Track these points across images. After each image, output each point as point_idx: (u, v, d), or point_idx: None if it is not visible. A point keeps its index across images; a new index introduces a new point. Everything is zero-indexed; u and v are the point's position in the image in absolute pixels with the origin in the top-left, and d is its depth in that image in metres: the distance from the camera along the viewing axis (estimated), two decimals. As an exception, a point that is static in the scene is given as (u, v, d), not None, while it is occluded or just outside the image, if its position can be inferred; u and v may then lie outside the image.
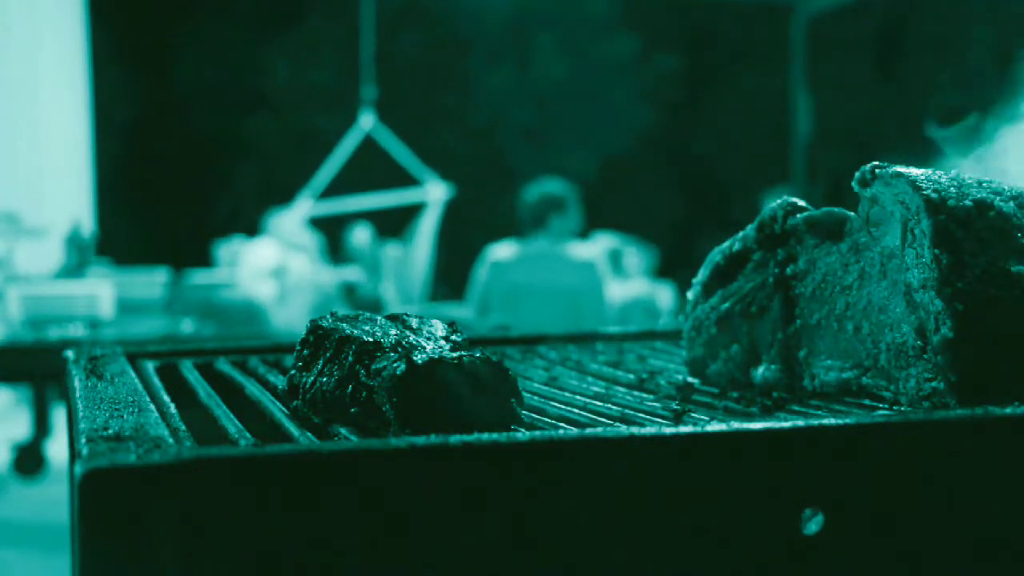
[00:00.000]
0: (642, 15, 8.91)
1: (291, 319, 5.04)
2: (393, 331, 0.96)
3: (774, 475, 0.79)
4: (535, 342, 1.54)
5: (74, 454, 0.86)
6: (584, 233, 5.37)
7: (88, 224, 7.37)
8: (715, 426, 0.79)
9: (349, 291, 6.57)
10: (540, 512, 0.74)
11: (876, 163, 1.05)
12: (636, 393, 1.13)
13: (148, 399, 0.96)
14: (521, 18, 9.17)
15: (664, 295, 7.06)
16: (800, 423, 0.81)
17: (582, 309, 4.65)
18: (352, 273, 7.20)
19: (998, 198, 0.99)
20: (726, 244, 1.21)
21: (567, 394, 1.11)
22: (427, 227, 7.65)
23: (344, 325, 0.98)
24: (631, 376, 1.23)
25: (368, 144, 7.49)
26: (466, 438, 0.73)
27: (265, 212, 6.74)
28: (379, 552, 0.71)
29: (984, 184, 1.01)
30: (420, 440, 0.72)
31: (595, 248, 5.28)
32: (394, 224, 8.08)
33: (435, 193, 7.64)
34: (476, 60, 9.32)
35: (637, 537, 0.76)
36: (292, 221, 6.43)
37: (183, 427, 0.87)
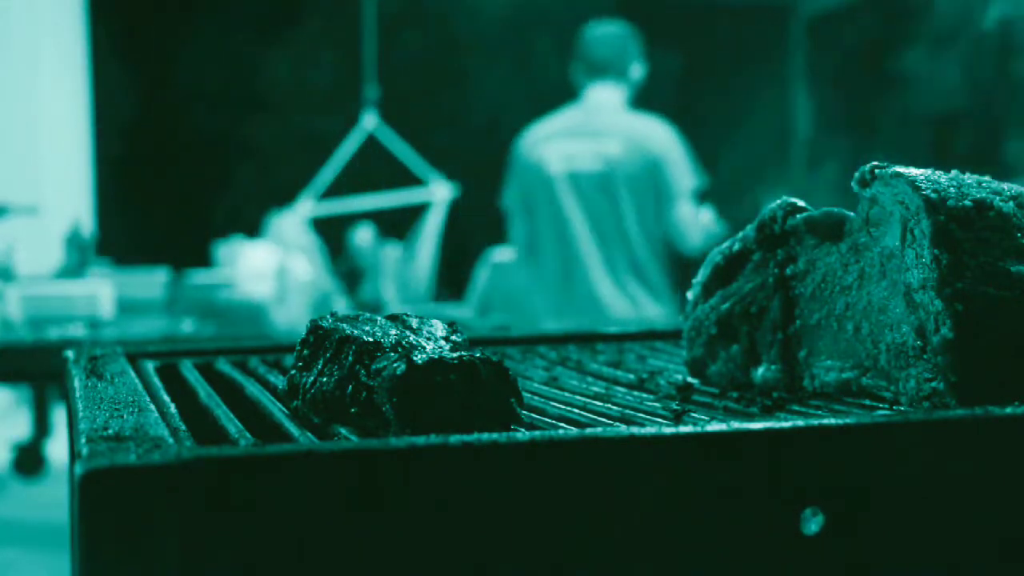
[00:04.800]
0: (641, 15, 8.91)
1: (291, 319, 5.04)
2: (393, 331, 0.96)
3: (774, 475, 0.79)
4: (535, 342, 1.54)
5: (74, 454, 0.86)
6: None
7: (88, 224, 7.37)
8: (715, 426, 0.79)
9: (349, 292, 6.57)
10: (540, 512, 0.74)
11: (876, 163, 1.05)
12: (636, 393, 1.13)
13: (148, 399, 0.96)
14: (521, 18, 9.16)
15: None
16: (800, 423, 0.81)
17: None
18: (327, 284, 7.17)
19: (998, 198, 0.99)
20: (726, 244, 1.21)
21: (567, 394, 1.11)
22: (431, 227, 7.64)
23: (344, 325, 0.98)
24: (631, 376, 1.23)
25: (371, 144, 7.48)
26: (466, 438, 0.73)
27: (266, 213, 6.74)
28: (378, 552, 0.71)
29: (984, 184, 1.01)
30: (420, 440, 0.72)
31: None
32: (394, 225, 8.08)
33: (440, 193, 7.62)
34: (476, 60, 9.31)
35: (637, 537, 0.76)
36: (293, 223, 6.43)
37: (183, 427, 0.87)
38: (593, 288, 3.77)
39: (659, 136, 3.72)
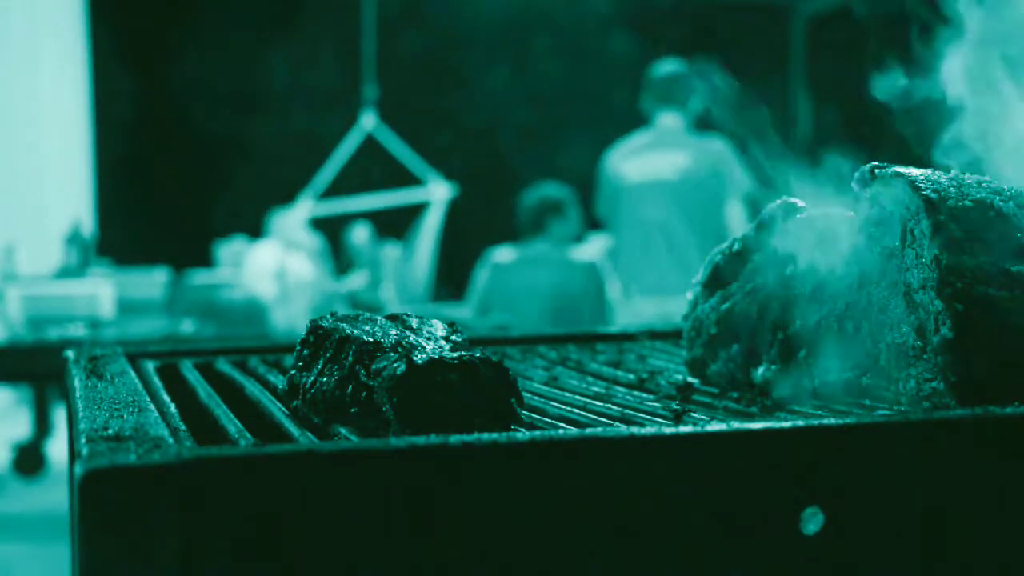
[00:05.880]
0: (641, 15, 8.93)
1: (291, 319, 5.05)
2: (393, 331, 0.96)
3: (774, 475, 0.79)
4: (535, 342, 1.54)
5: (74, 454, 0.86)
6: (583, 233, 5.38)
7: (88, 224, 7.37)
8: (715, 426, 0.79)
9: (353, 299, 6.58)
10: (540, 512, 0.74)
11: (876, 163, 1.05)
12: (636, 393, 1.13)
13: (148, 399, 0.96)
14: (521, 18, 9.16)
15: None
16: (800, 423, 0.81)
17: (584, 311, 4.66)
18: (357, 281, 7.20)
19: (998, 198, 0.99)
20: (726, 244, 1.21)
21: (567, 394, 1.11)
22: (430, 227, 7.65)
23: (344, 325, 0.98)
24: (631, 376, 1.23)
25: (370, 144, 7.48)
26: (466, 438, 0.73)
27: (267, 213, 6.74)
28: (378, 551, 0.71)
29: (984, 184, 1.01)
30: (420, 440, 0.72)
31: (594, 249, 5.28)
32: (394, 224, 8.08)
33: (438, 193, 7.63)
34: (476, 60, 9.32)
35: (637, 537, 0.76)
36: (294, 221, 6.44)
37: (183, 427, 0.87)
38: (666, 282, 4.28)
39: (720, 150, 4.34)
